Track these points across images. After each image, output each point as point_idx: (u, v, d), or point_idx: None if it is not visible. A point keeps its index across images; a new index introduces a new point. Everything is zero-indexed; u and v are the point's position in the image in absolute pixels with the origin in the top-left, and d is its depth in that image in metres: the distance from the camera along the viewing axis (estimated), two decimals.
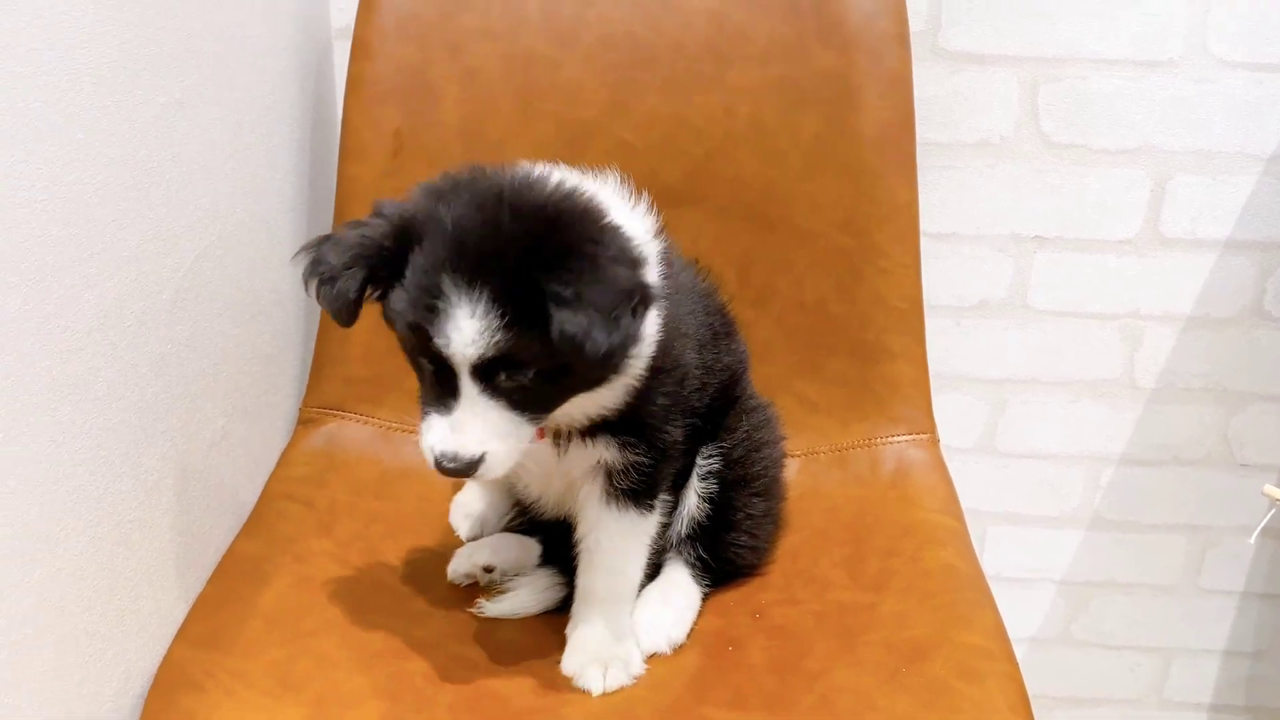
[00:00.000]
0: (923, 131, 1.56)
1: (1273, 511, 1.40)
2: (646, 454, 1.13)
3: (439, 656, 1.14)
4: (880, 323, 1.44)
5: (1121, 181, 1.61)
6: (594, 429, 1.11)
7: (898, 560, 1.27)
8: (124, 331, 1.02)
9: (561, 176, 1.05)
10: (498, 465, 1.00)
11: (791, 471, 1.46)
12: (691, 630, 1.21)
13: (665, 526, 1.23)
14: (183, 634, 1.12)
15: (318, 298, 1.00)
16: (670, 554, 1.26)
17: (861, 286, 1.44)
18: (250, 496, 1.34)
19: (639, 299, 0.97)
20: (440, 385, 0.99)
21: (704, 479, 1.24)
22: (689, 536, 1.25)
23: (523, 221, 0.97)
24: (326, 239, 1.02)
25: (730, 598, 1.27)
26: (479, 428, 0.97)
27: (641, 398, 1.10)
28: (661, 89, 1.43)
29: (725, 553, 1.25)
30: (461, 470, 0.98)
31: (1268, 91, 1.56)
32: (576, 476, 1.16)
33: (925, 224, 1.60)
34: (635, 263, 1.00)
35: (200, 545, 1.21)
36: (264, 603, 1.17)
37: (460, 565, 1.28)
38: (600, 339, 0.91)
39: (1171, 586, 1.84)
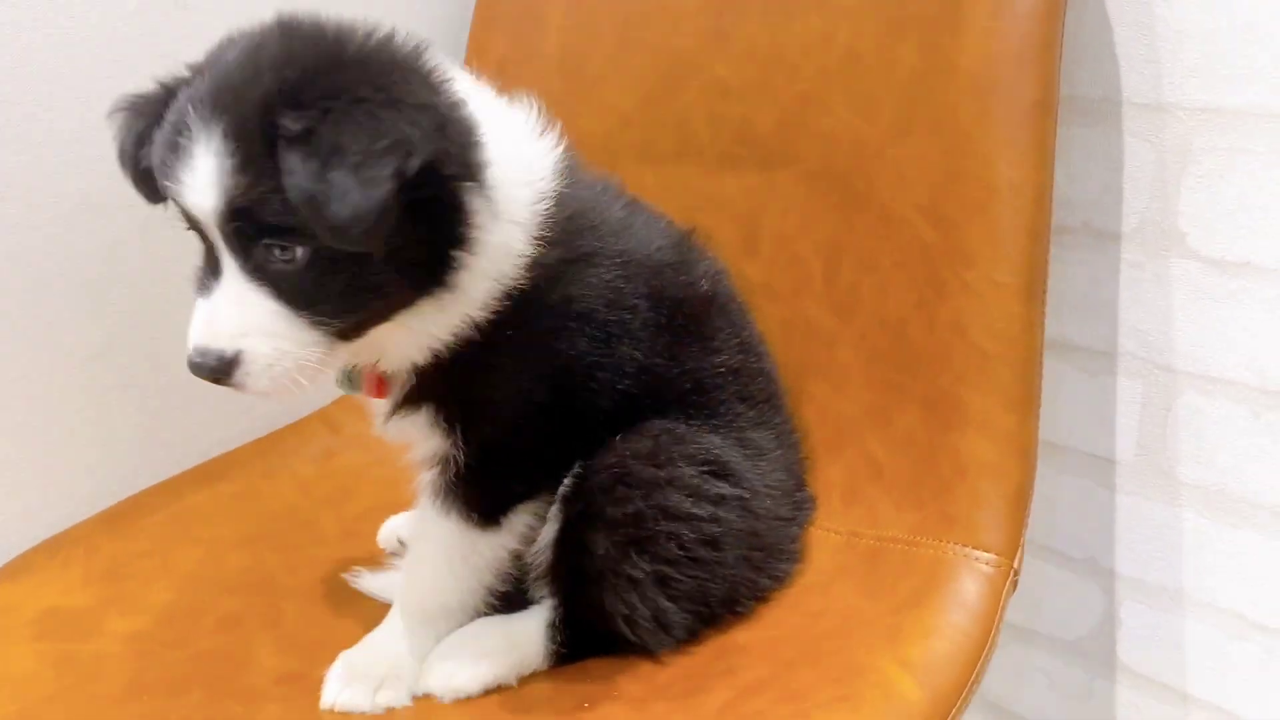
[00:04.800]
0: (1190, 92, 0.97)
1: None
2: (474, 451, 0.90)
3: (260, 605, 1.04)
4: (958, 368, 0.93)
5: None
6: (421, 392, 0.90)
7: (784, 710, 0.83)
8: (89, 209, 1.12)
9: (407, 37, 0.84)
10: (259, 373, 0.77)
11: (826, 552, 1.03)
12: (504, 689, 0.93)
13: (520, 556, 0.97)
14: (111, 508, 1.18)
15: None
16: (534, 588, 0.98)
17: (943, 305, 0.94)
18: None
19: (407, 153, 0.72)
20: (207, 265, 0.81)
21: (558, 503, 0.94)
22: (542, 576, 0.96)
23: (292, 55, 0.78)
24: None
25: (596, 672, 0.95)
26: (236, 316, 0.78)
27: (472, 369, 0.87)
28: (762, 12, 1.09)
29: (585, 613, 0.94)
30: (213, 372, 0.78)
31: None
32: (417, 457, 0.97)
33: (1199, 244, 1.01)
34: (441, 122, 0.77)
35: (195, 436, 1.27)
36: (191, 502, 1.19)
37: (384, 532, 1.16)
38: (340, 195, 0.70)
39: None
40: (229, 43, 0.83)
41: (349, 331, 0.81)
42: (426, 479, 0.95)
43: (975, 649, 0.85)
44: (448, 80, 0.83)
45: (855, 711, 0.80)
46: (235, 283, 0.78)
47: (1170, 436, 1.07)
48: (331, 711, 0.91)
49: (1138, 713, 1.18)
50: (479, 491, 0.93)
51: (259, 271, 0.77)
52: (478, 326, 0.85)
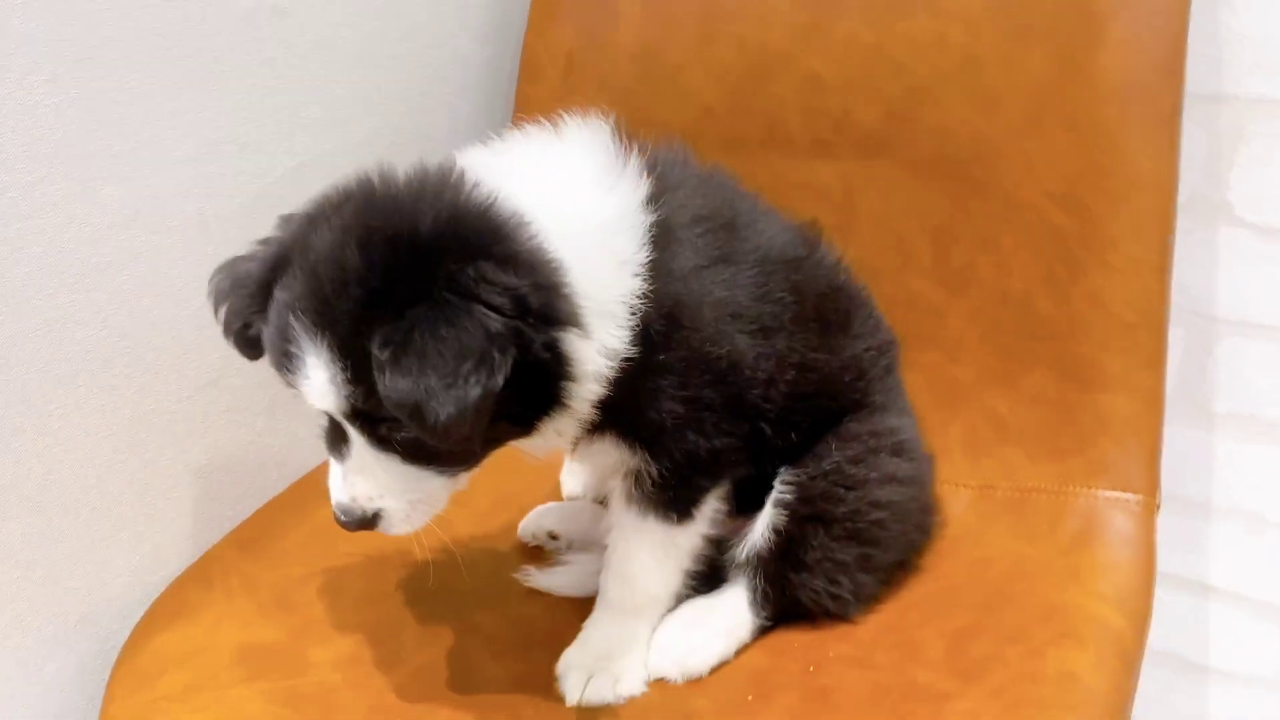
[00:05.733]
0: (1248, 85, 1.13)
1: None
2: (665, 462, 0.95)
3: (446, 614, 1.06)
4: (1098, 335, 1.07)
5: None
6: (599, 426, 0.93)
7: (1014, 650, 0.96)
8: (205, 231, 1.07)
9: (472, 180, 0.85)
10: (399, 522, 0.88)
11: (959, 505, 1.16)
12: (724, 664, 1.01)
13: (722, 544, 1.04)
14: (235, 533, 1.16)
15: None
16: (734, 571, 1.06)
17: (1079, 283, 1.08)
18: None
19: (490, 371, 0.76)
20: (334, 427, 0.88)
21: (775, 505, 1.01)
22: (749, 563, 1.03)
23: (372, 260, 0.80)
24: (231, 262, 0.91)
25: (800, 639, 1.04)
26: (369, 482, 0.86)
27: (640, 397, 0.91)
28: (863, 10, 1.17)
29: (793, 592, 1.02)
30: (359, 526, 0.88)
31: None
32: (605, 470, 1.01)
33: (1244, 212, 1.18)
34: (521, 298, 0.79)
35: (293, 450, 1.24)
36: (320, 518, 1.15)
37: (528, 525, 1.19)
38: (433, 408, 0.74)
39: None
40: (310, 223, 0.85)
41: (474, 466, 0.90)
42: (619, 488, 1.00)
43: (1147, 575, 1.01)
44: (522, 226, 0.84)
45: (1083, 647, 0.93)
46: (364, 453, 0.85)
47: (1209, 373, 1.26)
48: (579, 708, 0.96)
49: (1161, 605, 1.40)
50: (673, 494, 0.98)
51: (383, 443, 0.85)
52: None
